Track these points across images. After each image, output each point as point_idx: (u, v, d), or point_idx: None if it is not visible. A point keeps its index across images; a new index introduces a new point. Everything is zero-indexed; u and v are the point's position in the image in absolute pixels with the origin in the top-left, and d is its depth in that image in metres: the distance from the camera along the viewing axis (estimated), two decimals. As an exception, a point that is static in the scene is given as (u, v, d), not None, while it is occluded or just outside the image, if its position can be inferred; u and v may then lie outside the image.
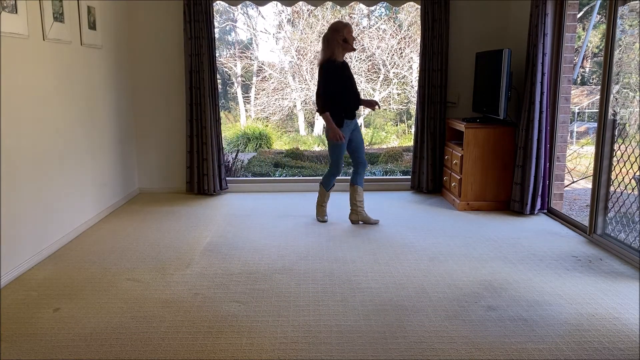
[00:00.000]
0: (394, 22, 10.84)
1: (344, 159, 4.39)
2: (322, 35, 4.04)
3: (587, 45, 9.87)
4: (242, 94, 12.45)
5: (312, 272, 3.30)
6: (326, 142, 4.26)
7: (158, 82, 5.33)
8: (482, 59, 4.95)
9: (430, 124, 5.27)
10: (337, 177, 4.40)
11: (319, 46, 10.80)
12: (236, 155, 7.56)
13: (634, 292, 2.98)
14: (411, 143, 6.61)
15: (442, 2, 5.07)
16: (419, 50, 5.29)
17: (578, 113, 10.06)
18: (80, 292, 3.02)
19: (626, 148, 3.61)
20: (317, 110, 4.13)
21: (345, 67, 4.10)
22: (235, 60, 12.11)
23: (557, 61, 4.38)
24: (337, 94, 4.01)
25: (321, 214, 4.45)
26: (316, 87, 4.12)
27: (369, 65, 10.93)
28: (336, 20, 4.09)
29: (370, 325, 2.60)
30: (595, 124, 5.01)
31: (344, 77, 4.05)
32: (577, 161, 7.89)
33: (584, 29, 9.16)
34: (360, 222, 4.35)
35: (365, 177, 6.60)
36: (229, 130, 10.98)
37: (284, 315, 2.71)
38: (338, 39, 3.94)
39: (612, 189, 3.75)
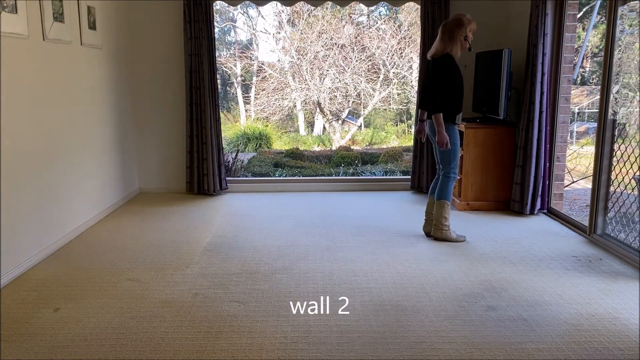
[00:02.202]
0: (394, 22, 10.84)
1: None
2: (444, 24, 3.70)
3: (587, 45, 9.87)
4: (242, 94, 12.45)
5: (312, 272, 3.30)
6: (434, 145, 3.83)
7: (158, 82, 5.33)
8: (482, 59, 4.95)
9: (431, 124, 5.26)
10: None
11: (318, 46, 10.84)
12: (236, 155, 7.56)
13: (634, 292, 2.98)
14: (411, 143, 6.60)
15: (442, 2, 5.07)
16: (419, 51, 5.29)
17: (578, 113, 10.07)
18: (80, 292, 3.02)
19: (626, 148, 3.61)
20: (427, 108, 3.78)
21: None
22: (235, 60, 12.12)
23: (557, 61, 4.38)
24: (455, 90, 3.69)
25: (455, 234, 3.90)
26: (429, 82, 3.74)
27: (369, 65, 10.93)
28: (459, 13, 3.72)
29: (370, 325, 2.60)
30: (595, 124, 5.01)
31: (459, 74, 3.74)
32: (577, 161, 7.90)
33: (584, 29, 9.16)
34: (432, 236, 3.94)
35: (366, 177, 6.62)
36: (229, 130, 10.98)
37: (284, 315, 2.71)
38: (461, 34, 3.63)
39: (612, 189, 3.75)
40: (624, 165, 3.65)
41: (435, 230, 3.90)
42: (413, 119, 7.38)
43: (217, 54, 5.27)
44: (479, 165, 4.67)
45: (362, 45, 10.79)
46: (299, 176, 7.08)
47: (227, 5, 5.56)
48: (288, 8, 10.58)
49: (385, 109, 11.86)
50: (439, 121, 3.64)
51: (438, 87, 3.64)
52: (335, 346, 2.41)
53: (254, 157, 8.56)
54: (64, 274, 3.30)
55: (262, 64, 12.03)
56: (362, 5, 9.68)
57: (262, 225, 4.32)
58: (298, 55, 11.11)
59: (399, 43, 10.54)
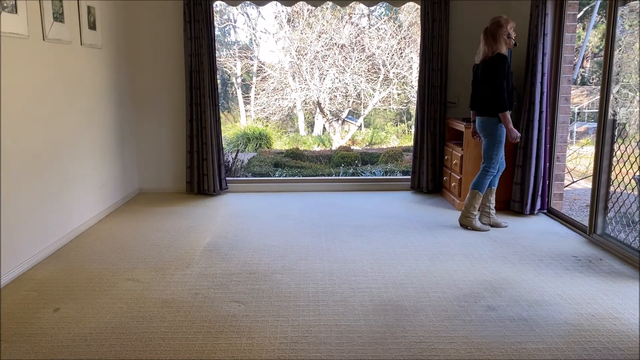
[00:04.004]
0: (394, 22, 10.84)
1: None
2: (485, 30, 3.94)
3: (587, 45, 9.87)
4: (242, 94, 12.45)
5: (312, 272, 3.30)
6: (484, 139, 4.04)
7: (158, 82, 5.33)
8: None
9: (430, 124, 5.27)
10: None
11: (318, 46, 10.84)
12: (236, 155, 7.56)
13: (634, 292, 2.98)
14: (411, 143, 6.61)
15: (442, 2, 5.07)
16: (419, 51, 5.29)
17: (578, 113, 10.07)
18: (80, 292, 3.02)
19: (626, 148, 3.61)
20: (486, 108, 3.94)
21: None
22: (235, 60, 12.12)
23: (557, 61, 4.38)
24: (506, 89, 3.89)
25: (479, 223, 4.17)
26: (484, 83, 3.93)
27: (369, 65, 10.93)
28: (497, 15, 4.01)
29: (370, 325, 2.60)
30: (595, 124, 5.01)
31: (510, 74, 3.94)
32: (577, 161, 7.89)
33: (584, 29, 9.16)
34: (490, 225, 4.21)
35: (366, 177, 6.62)
36: (229, 130, 10.98)
37: (284, 315, 2.71)
38: (503, 34, 3.88)
39: (612, 189, 3.75)
40: (624, 165, 3.65)
41: (462, 217, 4.18)
42: (413, 119, 7.38)
43: (217, 54, 5.27)
44: (479, 165, 4.66)
45: (362, 45, 10.79)
46: (299, 176, 7.08)
47: (227, 5, 5.56)
48: (288, 8, 10.58)
49: (385, 109, 11.85)
50: (506, 118, 3.87)
51: (497, 86, 3.84)
52: (335, 346, 2.41)
53: (254, 157, 8.56)
54: (64, 274, 3.30)
55: (262, 64, 12.03)
56: (362, 5, 9.68)
57: (262, 225, 4.32)
58: (298, 55, 11.11)
59: (399, 43, 10.54)
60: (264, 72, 11.92)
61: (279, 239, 3.97)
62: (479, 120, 4.07)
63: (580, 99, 10.31)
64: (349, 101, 11.37)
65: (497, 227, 4.21)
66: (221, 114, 5.99)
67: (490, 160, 4.04)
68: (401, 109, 11.64)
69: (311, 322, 2.64)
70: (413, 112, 9.83)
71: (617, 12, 3.58)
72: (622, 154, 3.65)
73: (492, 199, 4.22)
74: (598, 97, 3.87)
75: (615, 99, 3.70)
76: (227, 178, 5.57)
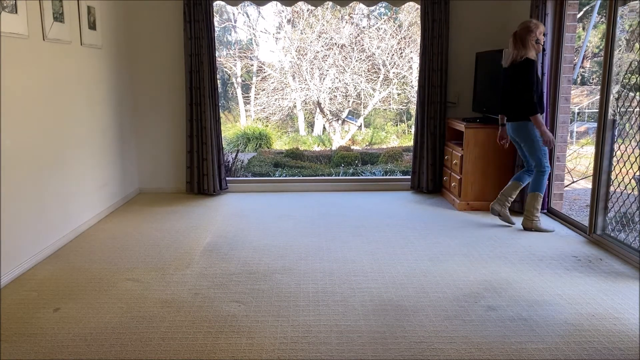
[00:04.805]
0: (394, 22, 10.84)
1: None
2: (514, 34, 3.93)
3: (587, 45, 9.87)
4: (242, 94, 12.44)
5: (312, 272, 3.30)
6: (523, 144, 4.05)
7: (158, 82, 5.33)
8: (482, 59, 4.95)
9: (430, 124, 5.27)
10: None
11: (318, 46, 10.83)
12: (236, 155, 7.56)
13: (634, 292, 2.98)
14: (411, 143, 6.60)
15: (442, 2, 5.07)
16: (419, 51, 5.29)
17: (578, 113, 10.06)
18: (80, 292, 3.02)
19: (626, 148, 3.61)
20: (516, 111, 3.96)
21: None
22: (235, 60, 12.11)
23: (557, 61, 4.38)
24: (536, 93, 3.91)
25: (544, 225, 4.16)
26: (513, 87, 3.94)
27: (369, 65, 10.93)
28: (527, 19, 4.01)
29: (370, 325, 2.60)
30: (595, 124, 5.01)
31: (538, 77, 3.96)
32: (577, 161, 7.89)
33: (584, 29, 9.16)
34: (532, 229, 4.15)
35: (366, 177, 6.62)
36: (229, 130, 10.98)
37: (284, 315, 2.71)
38: (532, 39, 3.89)
39: (612, 189, 3.75)
40: (624, 165, 3.65)
41: (525, 221, 4.15)
42: (413, 119, 7.38)
43: (217, 54, 5.27)
44: (479, 165, 4.67)
45: (362, 45, 10.78)
46: (299, 176, 7.08)
47: (226, 5, 5.56)
48: (288, 8, 10.57)
49: (385, 109, 11.85)
50: (539, 121, 3.86)
51: (527, 90, 3.84)
52: (335, 346, 2.41)
53: (254, 157, 8.56)
54: (64, 274, 3.30)
55: (262, 64, 12.03)
56: (362, 5, 9.67)
57: (262, 225, 4.32)
58: (298, 55, 11.10)
59: (399, 43, 10.54)
60: (264, 72, 11.92)
61: (279, 239, 3.97)
62: (511, 125, 4.07)
63: (580, 99, 10.31)
64: (349, 101, 11.37)
65: (505, 222, 4.25)
66: (221, 114, 5.99)
67: (540, 161, 4.02)
68: (401, 109, 11.63)
69: (311, 322, 2.64)
70: (413, 112, 9.83)
71: (617, 12, 3.58)
72: (622, 154, 3.65)
73: (514, 194, 4.23)
74: (598, 97, 3.87)
75: (615, 99, 3.70)
76: (227, 178, 5.57)
